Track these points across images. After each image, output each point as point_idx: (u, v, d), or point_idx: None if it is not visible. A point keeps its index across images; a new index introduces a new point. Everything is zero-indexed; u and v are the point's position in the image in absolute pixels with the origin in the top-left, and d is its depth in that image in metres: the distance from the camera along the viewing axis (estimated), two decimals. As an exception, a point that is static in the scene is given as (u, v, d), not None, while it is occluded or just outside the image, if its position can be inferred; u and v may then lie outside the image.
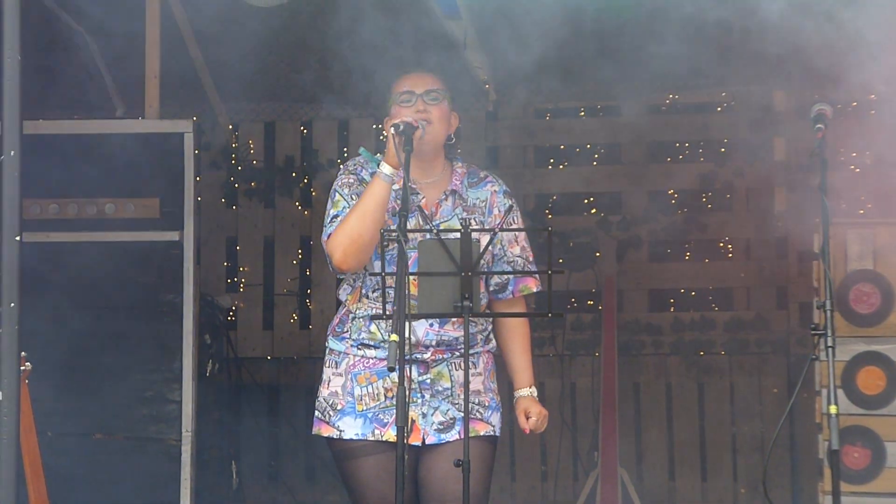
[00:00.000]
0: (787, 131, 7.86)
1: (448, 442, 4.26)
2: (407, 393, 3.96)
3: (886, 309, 5.92)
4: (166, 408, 5.89)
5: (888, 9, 4.87)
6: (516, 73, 7.06)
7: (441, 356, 4.27)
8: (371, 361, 4.28)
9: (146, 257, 5.94)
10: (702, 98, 8.06)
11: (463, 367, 4.06)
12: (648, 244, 8.10)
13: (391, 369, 3.76)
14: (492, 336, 4.41)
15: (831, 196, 4.22)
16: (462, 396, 4.07)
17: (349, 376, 4.30)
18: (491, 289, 4.39)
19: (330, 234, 4.22)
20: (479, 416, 4.31)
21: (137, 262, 5.94)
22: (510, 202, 4.40)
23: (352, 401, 4.28)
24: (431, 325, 4.24)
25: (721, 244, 8.06)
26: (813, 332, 4.10)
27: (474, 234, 4.04)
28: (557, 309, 4.96)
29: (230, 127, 8.14)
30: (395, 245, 3.95)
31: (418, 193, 4.31)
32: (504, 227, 4.33)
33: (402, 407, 3.80)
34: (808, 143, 4.60)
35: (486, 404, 4.35)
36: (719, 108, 8.07)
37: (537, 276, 4.40)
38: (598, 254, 8.06)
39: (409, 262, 4.02)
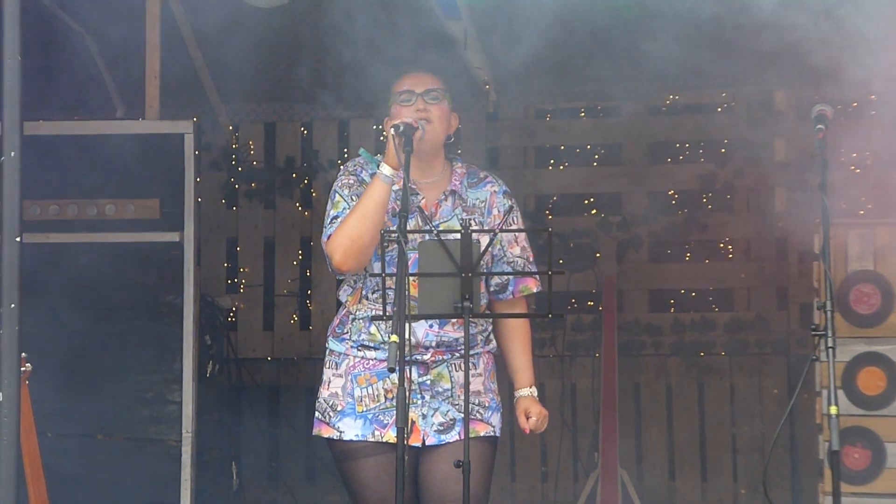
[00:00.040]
0: (788, 131, 7.85)
1: (448, 443, 4.25)
2: (407, 394, 3.95)
3: (887, 309, 5.91)
4: (166, 409, 5.88)
5: (888, 8, 4.87)
6: (516, 74, 7.06)
7: (441, 357, 4.27)
8: (371, 362, 4.28)
9: (146, 258, 5.93)
10: (702, 98, 8.05)
11: (463, 368, 4.05)
12: (648, 245, 8.09)
13: (391, 370, 3.75)
14: (492, 336, 4.41)
15: (831, 196, 4.21)
16: (462, 397, 4.07)
17: (349, 377, 4.29)
18: (491, 289, 4.38)
19: (330, 236, 4.22)
20: (480, 417, 4.31)
21: (138, 263, 5.93)
22: (510, 202, 4.39)
23: (352, 402, 4.27)
24: (431, 326, 4.23)
25: (721, 245, 8.05)
26: (813, 332, 4.09)
27: (474, 235, 4.03)
28: (557, 310, 4.96)
29: (230, 128, 8.13)
30: (395, 246, 3.94)
31: (418, 194, 4.31)
32: (504, 227, 4.32)
33: (403, 408, 3.79)
34: (809, 144, 4.60)
35: (487, 405, 4.34)
36: (719, 108, 8.06)
37: (537, 276, 4.40)
38: (598, 254, 8.05)
39: (409, 263, 4.01)
